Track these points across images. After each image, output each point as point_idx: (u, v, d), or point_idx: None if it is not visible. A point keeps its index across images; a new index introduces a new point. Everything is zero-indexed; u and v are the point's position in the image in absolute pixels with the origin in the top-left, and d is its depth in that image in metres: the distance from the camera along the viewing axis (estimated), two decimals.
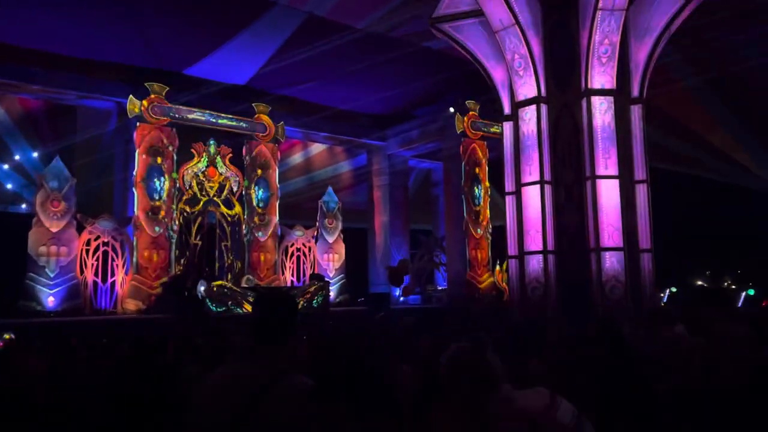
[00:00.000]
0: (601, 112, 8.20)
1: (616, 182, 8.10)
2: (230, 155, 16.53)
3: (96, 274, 14.21)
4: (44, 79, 14.13)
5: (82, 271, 13.94)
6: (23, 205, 15.82)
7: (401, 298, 16.28)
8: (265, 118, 17.08)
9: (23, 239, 13.28)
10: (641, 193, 8.38)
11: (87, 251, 14.10)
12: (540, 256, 8.18)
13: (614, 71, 8.19)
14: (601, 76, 8.20)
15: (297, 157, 20.65)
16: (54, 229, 13.42)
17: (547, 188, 8.25)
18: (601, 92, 8.16)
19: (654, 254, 8.29)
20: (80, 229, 13.96)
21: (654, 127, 10.08)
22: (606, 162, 8.06)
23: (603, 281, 7.94)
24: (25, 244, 13.25)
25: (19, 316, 12.41)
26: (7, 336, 7.41)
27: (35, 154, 15.69)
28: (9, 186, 15.70)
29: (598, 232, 7.98)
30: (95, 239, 14.25)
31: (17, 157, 15.66)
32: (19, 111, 15.53)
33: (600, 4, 7.89)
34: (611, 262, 8.02)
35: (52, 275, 13.25)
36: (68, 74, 14.38)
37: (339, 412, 2.21)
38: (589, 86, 8.14)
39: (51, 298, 13.15)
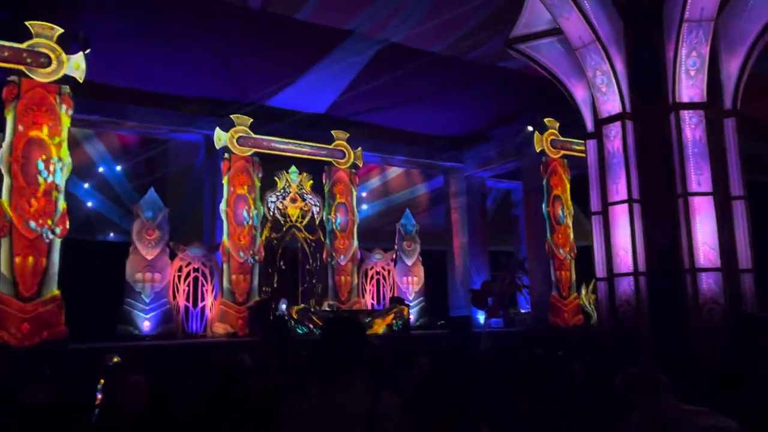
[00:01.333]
0: (691, 126, 7.84)
1: (710, 199, 7.69)
2: (311, 182, 17.00)
3: (187, 299, 14.86)
4: (138, 115, 15.07)
5: (174, 296, 14.61)
6: (111, 234, 16.79)
7: (485, 322, 16.00)
8: (344, 145, 17.46)
9: (121, 266, 14.09)
10: (738, 209, 7.92)
11: (179, 277, 14.79)
12: (631, 278, 7.85)
13: (704, 84, 7.83)
14: (689, 89, 7.86)
15: (374, 181, 20.93)
16: (149, 257, 14.18)
17: (636, 207, 7.94)
18: (691, 106, 7.81)
19: (756, 275, 7.79)
20: (172, 256, 14.68)
21: (751, 138, 9.54)
22: (698, 178, 7.68)
23: (699, 304, 7.52)
24: (123, 270, 14.04)
25: (119, 339, 13.15)
26: (116, 359, 7.82)
27: (131, 186, 16.70)
28: (106, 215, 16.74)
29: (693, 252, 7.59)
30: (186, 265, 14.94)
31: (115, 189, 16.72)
32: (116, 145, 16.62)
33: (686, 16, 7.60)
34: (708, 283, 7.59)
35: (147, 300, 13.97)
36: (160, 110, 15.27)
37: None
38: (677, 100, 7.82)
39: (147, 323, 13.85)
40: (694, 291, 7.51)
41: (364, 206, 19.52)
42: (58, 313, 11.91)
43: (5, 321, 11.31)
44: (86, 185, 16.02)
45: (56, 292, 11.96)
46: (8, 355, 10.37)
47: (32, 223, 11.85)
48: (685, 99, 7.85)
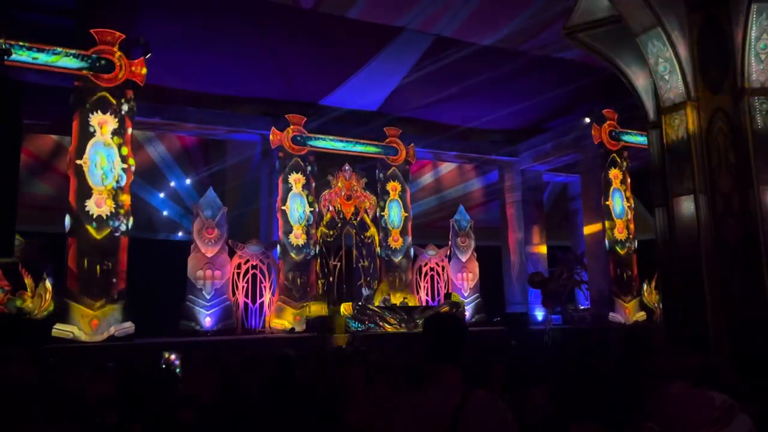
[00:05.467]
0: (763, 113, 7.44)
1: None
2: (364, 179, 17.07)
3: (246, 296, 15.18)
4: (197, 117, 15.44)
5: (234, 293, 14.95)
6: (180, 233, 17.30)
7: (549, 317, 15.71)
8: (396, 141, 17.45)
9: (182, 264, 14.51)
10: None
11: (238, 274, 15.13)
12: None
13: None
14: (760, 74, 7.46)
15: (427, 177, 20.84)
16: (209, 254, 14.55)
17: (702, 198, 7.59)
18: (762, 91, 7.40)
19: None
20: (231, 253, 15.02)
21: None
22: None
23: None
24: (184, 268, 14.46)
25: (181, 335, 13.55)
26: (167, 355, 7.97)
27: (191, 186, 17.18)
28: (168, 215, 17.28)
29: (766, 246, 7.21)
30: (245, 263, 15.26)
31: (176, 189, 17.24)
32: (176, 147, 17.12)
33: None
34: None
35: (208, 297, 14.35)
36: (218, 111, 15.64)
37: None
38: (747, 86, 7.44)
39: (208, 319, 14.22)
40: None
41: (418, 202, 19.47)
42: (125, 309, 12.37)
43: (75, 317, 11.83)
44: (149, 186, 16.55)
45: (123, 288, 12.42)
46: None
47: (98, 223, 12.34)
48: (756, 84, 7.44)
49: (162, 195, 17.07)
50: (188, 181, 17.21)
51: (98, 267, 12.20)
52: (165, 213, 17.24)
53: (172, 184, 17.12)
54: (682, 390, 2.49)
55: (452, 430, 1.92)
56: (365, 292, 15.30)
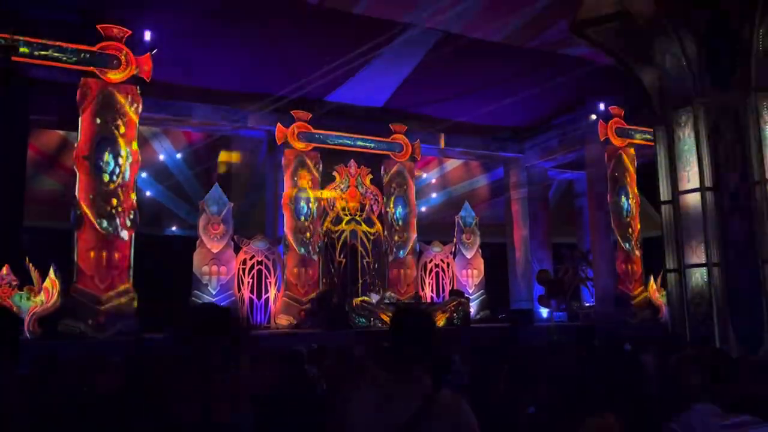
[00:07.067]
0: None
1: None
2: (370, 175, 17.06)
3: (251, 291, 15.21)
4: (202, 112, 15.47)
5: (239, 289, 14.98)
6: (174, 227, 17.30)
7: (552, 314, 15.70)
8: (402, 138, 17.42)
9: (188, 259, 14.53)
10: None
11: (243, 270, 15.16)
12: (703, 270, 7.52)
13: None
14: None
15: (433, 174, 20.82)
16: (215, 250, 14.58)
17: (709, 195, 7.58)
18: None
19: None
20: (237, 249, 15.04)
21: None
22: None
23: None
24: (190, 263, 14.48)
25: None
26: None
27: (197, 182, 17.18)
28: (175, 210, 17.29)
29: None
30: (250, 258, 15.29)
31: (182, 185, 17.24)
32: (183, 143, 17.15)
33: None
34: None
35: (214, 292, 14.37)
36: (223, 107, 15.64)
37: None
38: (754, 83, 7.41)
39: None
40: None
41: (423, 199, 19.47)
42: (131, 304, 12.41)
43: (83, 312, 11.89)
44: (154, 181, 16.57)
45: (129, 284, 12.47)
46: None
47: (104, 219, 12.38)
48: (764, 81, 7.43)
49: (168, 191, 17.01)
50: (194, 177, 17.15)
51: (104, 262, 12.25)
52: (170, 208, 17.18)
53: (178, 180, 17.06)
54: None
55: (415, 424, 1.88)
56: (374, 297, 15.29)
